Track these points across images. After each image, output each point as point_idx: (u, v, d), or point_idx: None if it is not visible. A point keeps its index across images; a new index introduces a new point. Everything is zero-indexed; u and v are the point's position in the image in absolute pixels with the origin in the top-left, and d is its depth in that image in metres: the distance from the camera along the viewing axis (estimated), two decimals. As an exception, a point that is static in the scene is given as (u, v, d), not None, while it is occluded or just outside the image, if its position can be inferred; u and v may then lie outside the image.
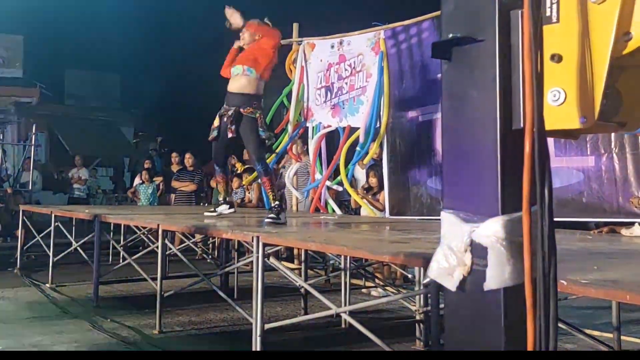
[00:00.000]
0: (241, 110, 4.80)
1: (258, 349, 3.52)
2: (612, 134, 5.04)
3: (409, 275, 6.20)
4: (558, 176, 5.19)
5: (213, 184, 9.91)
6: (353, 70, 7.35)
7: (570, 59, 1.25)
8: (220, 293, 4.47)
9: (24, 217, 7.62)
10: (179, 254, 5.21)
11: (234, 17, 5.00)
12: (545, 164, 1.20)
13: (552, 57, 1.26)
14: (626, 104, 1.31)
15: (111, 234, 8.02)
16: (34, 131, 11.83)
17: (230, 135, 4.83)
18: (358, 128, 7.13)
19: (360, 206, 7.31)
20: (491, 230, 1.31)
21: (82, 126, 17.81)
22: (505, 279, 1.29)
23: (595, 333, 4.18)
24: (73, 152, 14.88)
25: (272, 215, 4.60)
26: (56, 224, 6.75)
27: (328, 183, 7.40)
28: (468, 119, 1.39)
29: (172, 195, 9.95)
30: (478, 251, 1.34)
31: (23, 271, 7.25)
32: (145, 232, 7.54)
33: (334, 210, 7.43)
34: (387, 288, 6.07)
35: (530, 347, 1.19)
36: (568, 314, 4.48)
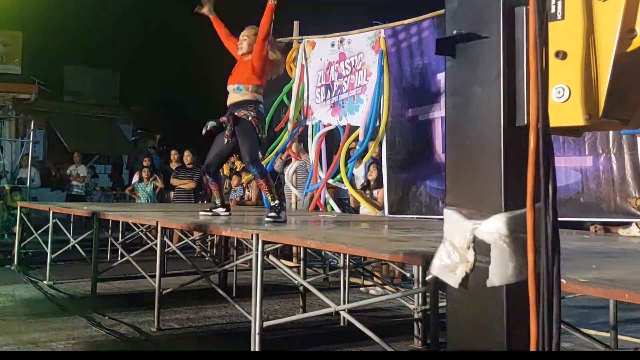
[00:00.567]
0: (235, 113, 4.86)
1: (257, 347, 3.52)
2: (610, 135, 5.05)
3: (407, 274, 6.21)
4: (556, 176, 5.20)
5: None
6: (353, 68, 7.36)
7: (574, 56, 1.25)
8: (219, 290, 4.47)
9: (22, 214, 7.61)
10: (177, 251, 5.21)
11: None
12: (550, 160, 1.20)
13: (557, 54, 1.26)
14: (630, 101, 1.31)
15: (109, 231, 8.01)
16: (32, 127, 11.80)
17: (226, 140, 4.86)
18: (358, 127, 7.14)
19: (359, 205, 7.32)
20: (494, 227, 1.31)
21: (81, 123, 17.78)
22: (509, 275, 1.29)
23: (592, 332, 4.19)
24: (71, 149, 14.86)
25: (272, 214, 4.61)
26: (54, 220, 6.74)
27: (329, 181, 7.41)
28: (472, 115, 1.39)
29: (171, 193, 9.94)
30: (481, 248, 1.34)
31: (20, 268, 7.24)
32: (144, 230, 7.53)
33: (332, 209, 7.44)
34: (385, 287, 6.07)
35: (533, 343, 1.19)
36: (564, 313, 4.47)
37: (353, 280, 6.28)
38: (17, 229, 7.72)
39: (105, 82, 19.62)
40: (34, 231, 7.28)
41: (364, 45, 7.24)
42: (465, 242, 1.36)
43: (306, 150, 8.11)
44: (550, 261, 1.20)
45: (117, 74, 19.97)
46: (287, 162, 8.48)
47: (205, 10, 5.18)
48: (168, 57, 18.97)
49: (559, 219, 1.27)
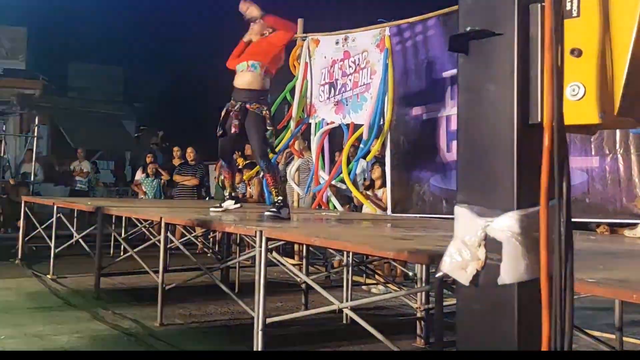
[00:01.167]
0: (247, 105, 4.78)
1: (259, 343, 3.52)
2: (617, 135, 5.04)
3: (410, 273, 6.20)
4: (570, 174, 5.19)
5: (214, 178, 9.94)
6: (357, 67, 7.34)
7: (590, 54, 1.25)
8: (222, 286, 4.47)
9: (26, 209, 7.62)
10: (181, 247, 5.21)
11: (251, 11, 4.96)
12: (565, 158, 1.20)
13: (572, 51, 1.26)
14: (645, 99, 1.30)
15: (112, 226, 8.02)
16: (36, 123, 11.82)
17: (233, 130, 4.80)
18: (362, 125, 7.12)
19: (363, 203, 7.31)
20: (506, 225, 1.31)
21: (84, 119, 17.79)
22: (521, 273, 1.29)
23: (596, 333, 4.18)
24: (75, 144, 14.88)
25: (273, 209, 4.60)
26: (58, 215, 6.74)
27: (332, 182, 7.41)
28: (484, 113, 1.38)
29: (173, 189, 9.96)
30: (492, 246, 1.34)
31: (24, 262, 7.25)
32: (147, 225, 7.54)
33: (335, 207, 7.43)
34: (387, 285, 6.07)
35: (545, 343, 1.18)
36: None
37: (355, 278, 6.28)
38: (21, 223, 7.73)
39: (109, 79, 19.65)
40: (38, 225, 7.29)
41: (368, 44, 7.23)
42: (477, 240, 1.35)
43: (309, 148, 8.11)
44: (564, 260, 1.19)
45: (120, 70, 19.99)
46: (288, 163, 8.49)
47: (247, 36, 5.11)
48: (172, 54, 18.98)
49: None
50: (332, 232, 3.95)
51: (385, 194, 6.97)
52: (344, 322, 4.96)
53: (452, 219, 1.46)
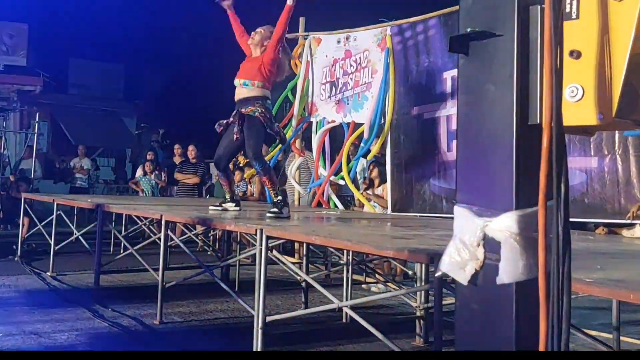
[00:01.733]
0: (242, 110, 4.87)
1: (259, 341, 3.53)
2: (616, 136, 5.05)
3: (409, 272, 6.21)
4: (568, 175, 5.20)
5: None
6: (358, 66, 7.35)
7: (589, 56, 1.26)
8: (222, 285, 4.48)
9: (26, 205, 7.62)
10: (181, 245, 5.21)
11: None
12: (563, 159, 1.21)
13: (571, 53, 1.27)
14: (644, 101, 1.31)
15: (113, 223, 8.03)
16: (36, 120, 11.83)
17: (235, 137, 4.90)
18: (362, 124, 7.13)
19: (364, 204, 7.31)
20: (505, 225, 1.32)
21: (85, 116, 17.79)
22: (519, 273, 1.30)
23: (594, 333, 4.19)
24: (75, 141, 14.88)
25: (274, 209, 4.61)
26: (58, 212, 6.75)
27: (331, 178, 7.41)
28: (484, 113, 1.39)
29: (174, 187, 9.96)
30: (491, 245, 1.35)
31: (24, 259, 7.26)
32: (147, 223, 7.54)
33: (336, 206, 7.44)
34: (387, 284, 6.08)
35: (542, 342, 1.20)
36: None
37: (355, 277, 6.29)
38: (21, 220, 7.74)
39: (110, 76, 19.64)
40: (37, 223, 7.30)
41: (369, 43, 7.23)
42: (476, 240, 1.36)
43: (308, 148, 8.12)
44: (561, 260, 1.20)
45: (121, 67, 19.98)
46: (286, 158, 8.50)
47: (226, 3, 5.16)
48: (173, 51, 18.98)
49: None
50: (332, 231, 3.96)
51: (385, 190, 6.98)
52: (344, 320, 4.98)
53: (452, 218, 1.47)
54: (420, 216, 6.40)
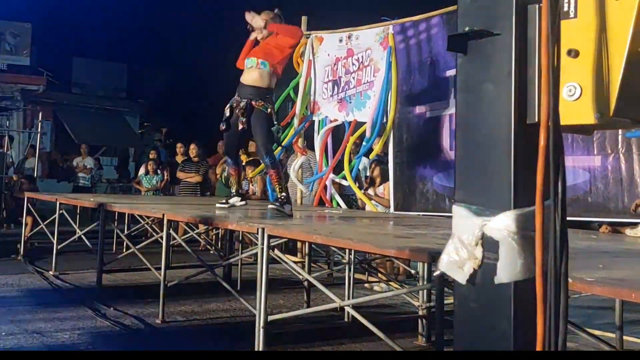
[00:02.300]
0: (253, 102, 4.82)
1: (261, 340, 3.54)
2: (619, 134, 5.03)
3: (412, 271, 6.21)
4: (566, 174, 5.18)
5: (212, 176, 9.93)
6: (361, 64, 7.34)
7: (587, 55, 1.25)
8: (224, 284, 4.48)
9: (29, 205, 7.64)
10: (183, 244, 5.23)
11: (255, 21, 4.99)
12: (560, 158, 1.20)
13: (569, 52, 1.26)
14: (642, 100, 1.31)
15: (115, 223, 8.04)
16: (39, 119, 11.86)
17: (241, 127, 4.85)
18: (364, 122, 7.13)
19: (366, 204, 7.31)
20: (503, 224, 1.32)
21: (88, 115, 17.83)
22: (517, 272, 1.30)
23: (597, 332, 4.18)
24: (78, 140, 14.91)
25: (276, 203, 4.63)
26: (61, 211, 6.76)
27: (332, 176, 7.40)
28: (482, 112, 1.39)
29: (176, 186, 9.97)
30: (489, 245, 1.35)
31: (27, 258, 7.28)
32: (149, 222, 7.56)
33: (338, 204, 7.44)
34: (390, 283, 6.07)
35: (539, 342, 1.19)
36: (570, 312, 4.47)
37: (357, 276, 6.29)
38: (25, 219, 7.76)
39: (113, 75, 19.67)
40: (40, 222, 7.32)
41: (372, 41, 7.22)
42: (474, 239, 1.36)
43: (310, 147, 8.12)
44: (558, 259, 1.20)
45: (124, 66, 20.01)
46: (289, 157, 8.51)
47: (253, 34, 5.12)
48: (176, 51, 18.99)
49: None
50: (334, 230, 3.95)
51: (387, 189, 6.97)
52: (346, 320, 4.98)
53: (454, 217, 1.47)
54: (422, 215, 6.39)
